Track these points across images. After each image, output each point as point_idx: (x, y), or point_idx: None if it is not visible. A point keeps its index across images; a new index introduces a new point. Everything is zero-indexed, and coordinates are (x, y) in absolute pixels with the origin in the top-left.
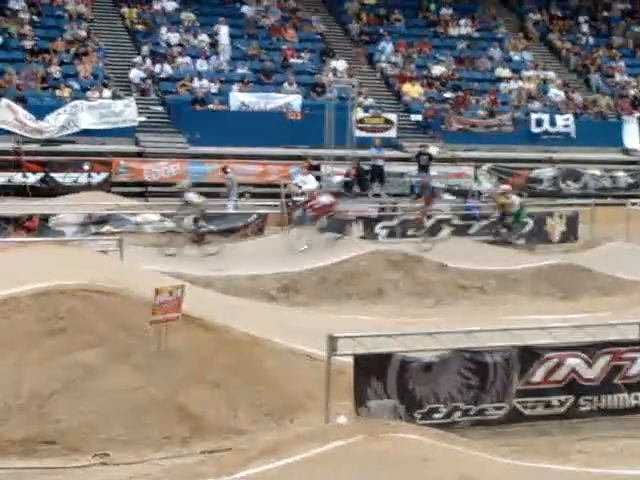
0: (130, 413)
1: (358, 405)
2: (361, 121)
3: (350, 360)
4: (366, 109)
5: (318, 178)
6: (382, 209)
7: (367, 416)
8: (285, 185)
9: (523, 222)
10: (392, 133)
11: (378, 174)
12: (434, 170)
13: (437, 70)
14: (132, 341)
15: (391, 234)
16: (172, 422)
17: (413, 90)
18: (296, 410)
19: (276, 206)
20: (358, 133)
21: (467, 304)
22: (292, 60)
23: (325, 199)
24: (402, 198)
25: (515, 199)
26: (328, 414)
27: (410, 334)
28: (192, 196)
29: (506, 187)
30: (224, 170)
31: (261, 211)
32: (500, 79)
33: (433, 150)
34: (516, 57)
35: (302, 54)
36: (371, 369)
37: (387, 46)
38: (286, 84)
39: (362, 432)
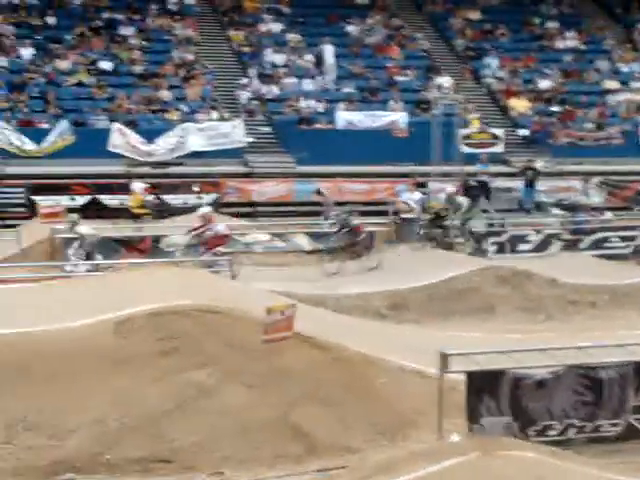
0: (243, 432)
1: (471, 422)
2: (467, 137)
3: (461, 377)
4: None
5: (425, 195)
6: (490, 225)
7: (480, 434)
8: (393, 202)
9: (469, 227)
10: (499, 148)
11: (484, 190)
12: (542, 185)
13: (544, 84)
14: (244, 360)
15: (500, 249)
16: (285, 440)
17: (520, 105)
18: (408, 428)
19: (384, 224)
20: (464, 149)
21: (578, 319)
22: (397, 78)
23: (222, 227)
24: (510, 213)
25: (463, 200)
26: (441, 432)
27: (523, 350)
28: (83, 229)
29: (450, 190)
30: (318, 193)
31: (369, 229)
32: (608, 91)
33: (539, 165)
34: (624, 68)
35: (407, 71)
36: (484, 386)
37: (492, 61)
38: (391, 102)
39: (476, 450)
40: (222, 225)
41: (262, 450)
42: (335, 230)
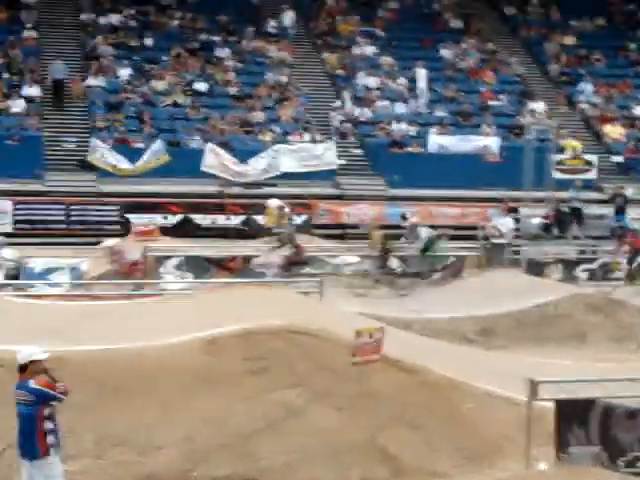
0: (331, 453)
1: (559, 451)
2: (560, 162)
3: (550, 405)
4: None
5: (517, 220)
6: (582, 252)
7: (569, 463)
8: (483, 227)
9: (434, 257)
10: (592, 175)
11: (576, 216)
12: (633, 212)
13: (639, 110)
14: (333, 382)
15: (591, 277)
16: (373, 463)
17: (614, 131)
18: (494, 454)
19: (474, 248)
20: (557, 175)
21: None
22: (491, 102)
23: (134, 254)
24: (602, 240)
25: (423, 231)
26: (528, 460)
27: (613, 380)
28: (7, 252)
29: (414, 220)
30: (403, 217)
31: (459, 253)
32: None
33: (629, 192)
34: None
35: (501, 96)
36: (573, 415)
37: (587, 87)
38: (484, 126)
39: (564, 479)
40: (135, 250)
41: (350, 472)
42: (276, 246)
